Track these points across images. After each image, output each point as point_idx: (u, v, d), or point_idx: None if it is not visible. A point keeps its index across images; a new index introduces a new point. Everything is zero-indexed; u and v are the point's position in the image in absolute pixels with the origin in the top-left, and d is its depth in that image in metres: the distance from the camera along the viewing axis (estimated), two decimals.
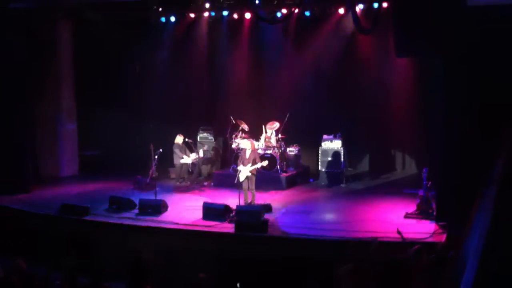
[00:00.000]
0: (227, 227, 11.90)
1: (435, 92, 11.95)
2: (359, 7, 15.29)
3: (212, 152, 17.59)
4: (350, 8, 14.94)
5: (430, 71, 12.73)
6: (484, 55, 10.50)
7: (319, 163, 16.30)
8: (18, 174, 15.38)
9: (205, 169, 17.29)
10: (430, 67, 12.54)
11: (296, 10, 16.12)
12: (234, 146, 16.46)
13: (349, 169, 16.85)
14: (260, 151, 15.70)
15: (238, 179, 13.33)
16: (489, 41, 10.41)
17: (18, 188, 15.05)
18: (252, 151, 13.53)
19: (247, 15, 17.03)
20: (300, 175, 16.68)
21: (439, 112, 11.69)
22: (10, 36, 14.97)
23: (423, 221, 11.92)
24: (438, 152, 11.87)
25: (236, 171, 13.70)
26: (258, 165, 13.41)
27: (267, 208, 13.05)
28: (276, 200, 14.24)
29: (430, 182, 12.24)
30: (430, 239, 10.51)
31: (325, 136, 16.24)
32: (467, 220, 5.94)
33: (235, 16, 17.26)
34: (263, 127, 16.32)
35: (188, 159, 16.14)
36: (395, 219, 12.19)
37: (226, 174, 16.02)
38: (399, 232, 9.46)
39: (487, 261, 4.11)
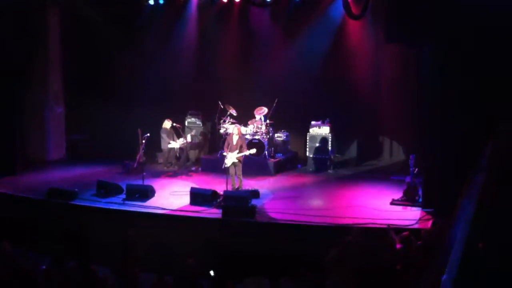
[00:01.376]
0: (215, 213, 11.90)
1: (424, 80, 11.98)
2: None
3: (200, 137, 17.56)
4: None
5: (419, 58, 12.73)
6: (473, 42, 10.53)
7: (307, 149, 16.34)
8: (5, 157, 15.28)
9: (193, 154, 17.26)
10: (419, 54, 12.54)
11: None
12: (222, 131, 16.43)
13: (336, 155, 16.90)
14: (248, 137, 15.70)
15: (225, 165, 13.34)
16: (479, 29, 10.42)
17: (5, 171, 14.97)
18: (239, 137, 13.53)
19: None
20: (288, 161, 16.70)
21: (427, 99, 11.73)
22: None
23: (410, 207, 12.00)
24: (426, 139, 11.92)
25: (223, 156, 13.69)
26: (246, 153, 13.41)
27: (255, 193, 13.06)
28: (263, 185, 14.25)
29: (417, 169, 12.30)
30: (416, 226, 10.58)
31: (313, 122, 16.27)
32: (453, 207, 5.98)
33: None
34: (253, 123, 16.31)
35: (176, 144, 16.09)
36: (382, 205, 12.26)
37: (214, 159, 16.02)
38: (389, 227, 9.40)
39: (472, 247, 4.14)
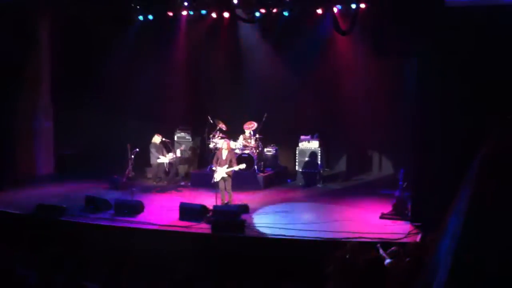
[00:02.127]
0: (204, 228, 11.88)
1: (411, 93, 12.07)
2: (336, 8, 15.35)
3: (190, 152, 17.55)
4: (328, 9, 15.03)
5: (408, 72, 12.85)
6: (462, 56, 10.64)
7: (296, 163, 16.36)
8: None
9: (182, 169, 17.24)
10: (408, 69, 12.66)
11: (275, 10, 16.16)
12: (211, 146, 16.43)
13: (326, 169, 16.93)
14: (238, 151, 15.71)
15: (214, 179, 13.33)
16: (467, 42, 10.55)
17: None
18: (228, 151, 13.54)
19: (226, 15, 16.99)
20: (277, 175, 16.71)
21: (415, 112, 11.82)
22: None
23: (399, 221, 12.02)
24: (414, 153, 11.98)
25: (213, 171, 13.69)
26: (235, 168, 13.41)
27: (244, 208, 13.06)
28: (253, 200, 14.24)
29: (406, 183, 12.34)
30: (405, 240, 10.59)
31: (302, 137, 16.31)
32: (441, 221, 5.99)
33: (214, 15, 17.21)
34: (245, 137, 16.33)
35: (165, 158, 16.08)
36: (371, 219, 12.28)
37: (204, 174, 15.98)
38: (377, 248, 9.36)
39: (459, 262, 4.14)
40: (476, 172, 5.49)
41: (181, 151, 16.99)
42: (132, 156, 14.67)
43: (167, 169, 16.40)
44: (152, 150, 15.94)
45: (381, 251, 8.55)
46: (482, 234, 4.54)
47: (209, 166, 15.96)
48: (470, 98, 10.55)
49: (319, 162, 16.08)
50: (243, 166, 13.71)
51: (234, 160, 13.53)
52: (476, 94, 10.48)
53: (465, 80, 10.64)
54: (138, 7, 17.15)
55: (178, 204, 12.84)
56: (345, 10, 15.48)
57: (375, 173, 17.29)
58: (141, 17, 17.59)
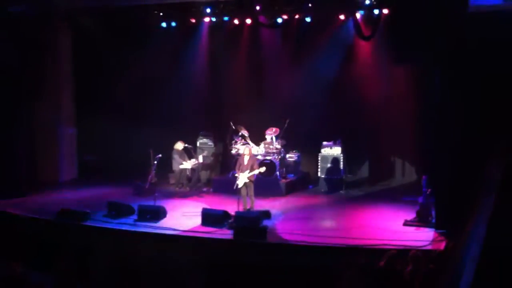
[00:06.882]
0: (226, 234, 11.86)
1: (434, 101, 11.95)
2: (359, 14, 15.29)
3: (212, 158, 17.56)
4: (351, 14, 14.98)
5: (428, 79, 12.74)
6: (483, 64, 10.52)
7: (319, 169, 16.28)
8: (13, 178, 15.35)
9: (204, 174, 17.25)
10: (428, 75, 12.55)
11: (297, 16, 16.16)
12: (233, 152, 16.43)
13: (348, 175, 16.82)
14: (260, 157, 15.68)
15: (237, 186, 13.31)
16: (490, 50, 10.42)
17: (14, 192, 15.02)
18: (250, 157, 13.51)
19: (248, 21, 17.01)
20: (299, 181, 16.64)
21: (438, 119, 11.69)
22: (8, 40, 14.97)
23: (423, 228, 11.88)
24: (437, 159, 11.85)
25: (235, 177, 13.67)
26: (256, 172, 13.37)
27: (266, 214, 13.01)
28: (275, 206, 14.21)
29: (429, 190, 12.20)
30: (429, 247, 10.46)
31: (324, 143, 16.22)
32: (465, 227, 5.92)
33: (236, 21, 17.23)
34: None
35: (187, 164, 16.11)
36: (395, 226, 12.15)
37: (226, 180, 15.97)
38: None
39: (483, 268, 4.08)
40: (499, 179, 5.43)
41: (204, 157, 17.02)
42: (155, 162, 14.73)
43: (189, 175, 16.43)
44: (175, 156, 15.99)
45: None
46: (506, 239, 4.47)
47: (231, 172, 15.98)
48: (494, 105, 10.41)
49: (341, 168, 15.99)
50: (263, 169, 13.68)
51: (256, 166, 13.50)
52: (500, 101, 10.35)
53: (489, 88, 10.51)
54: (161, 14, 17.22)
55: (200, 210, 12.84)
56: (368, 16, 15.42)
57: (398, 179, 17.14)
58: (164, 24, 17.67)
